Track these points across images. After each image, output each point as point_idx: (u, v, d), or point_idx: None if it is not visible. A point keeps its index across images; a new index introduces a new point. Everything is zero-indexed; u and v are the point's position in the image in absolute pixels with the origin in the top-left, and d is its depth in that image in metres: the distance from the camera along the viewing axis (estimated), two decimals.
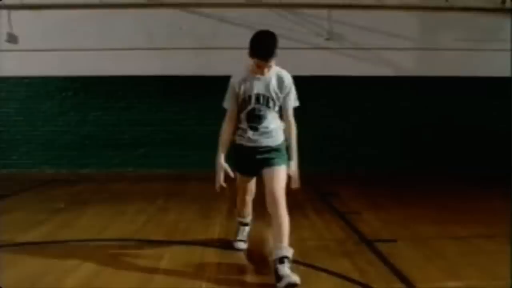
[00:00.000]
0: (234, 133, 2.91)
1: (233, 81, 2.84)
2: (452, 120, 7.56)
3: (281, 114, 2.90)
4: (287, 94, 2.83)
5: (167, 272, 2.79)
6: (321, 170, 6.75)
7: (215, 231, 3.76)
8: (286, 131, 2.89)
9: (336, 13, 7.39)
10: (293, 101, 2.87)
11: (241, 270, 2.82)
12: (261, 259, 3.05)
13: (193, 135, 7.38)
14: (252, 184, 3.07)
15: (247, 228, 3.34)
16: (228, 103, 2.88)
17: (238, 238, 3.29)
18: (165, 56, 7.39)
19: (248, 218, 3.32)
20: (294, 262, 2.68)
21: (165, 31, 7.40)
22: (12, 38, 7.31)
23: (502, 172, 6.85)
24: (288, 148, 2.88)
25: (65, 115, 7.55)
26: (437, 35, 7.55)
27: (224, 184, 2.81)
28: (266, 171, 2.80)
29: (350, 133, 7.42)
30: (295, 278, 2.43)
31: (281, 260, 2.54)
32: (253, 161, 2.86)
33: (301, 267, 2.79)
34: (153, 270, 2.80)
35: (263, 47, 2.67)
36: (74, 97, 7.54)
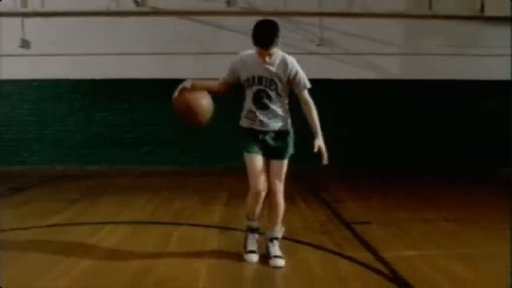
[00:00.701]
0: (221, 90, 2.99)
1: (236, 60, 2.94)
2: (435, 121, 8.16)
3: (295, 95, 2.94)
4: (294, 77, 2.86)
5: (176, 247, 3.38)
6: (314, 167, 7.33)
7: (215, 216, 4.35)
8: (307, 112, 2.93)
9: (327, 21, 8.00)
10: (304, 84, 2.89)
11: (239, 246, 3.40)
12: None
13: (193, 134, 7.90)
14: (263, 166, 2.96)
15: (256, 236, 3.12)
16: (228, 72, 2.97)
17: (249, 249, 3.06)
18: (167, 60, 7.98)
19: (256, 222, 3.12)
20: (285, 238, 3.26)
21: (166, 37, 7.99)
22: (25, 44, 7.89)
23: (479, 168, 7.46)
24: (311, 125, 2.93)
25: (73, 116, 8.13)
26: (421, 41, 8.16)
27: (189, 83, 2.94)
28: (273, 163, 2.96)
29: (340, 133, 7.99)
30: (281, 262, 2.92)
31: (272, 240, 3.04)
32: (261, 142, 2.94)
33: (290, 243, 3.38)
34: (165, 246, 3.39)
35: (263, 36, 2.73)
36: (82, 99, 8.12)
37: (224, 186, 6.07)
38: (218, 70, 7.26)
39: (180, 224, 4.03)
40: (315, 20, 7.99)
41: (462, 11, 8.00)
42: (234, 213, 4.38)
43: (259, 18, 7.59)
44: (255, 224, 3.12)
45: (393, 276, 2.74)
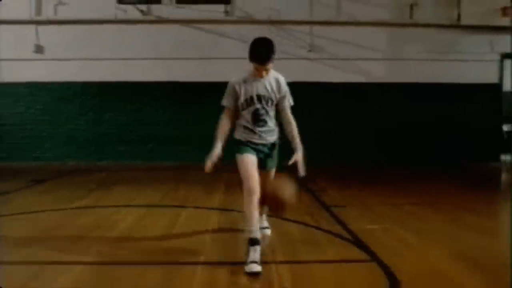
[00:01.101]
0: (230, 128, 3.17)
1: (233, 82, 3.09)
2: (415, 120, 8.95)
3: (277, 113, 3.18)
4: (284, 95, 3.13)
5: (185, 223, 4.14)
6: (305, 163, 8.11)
7: (215, 201, 5.13)
8: (288, 127, 3.17)
9: (317, 29, 8.78)
10: (289, 101, 3.17)
11: (235, 223, 4.15)
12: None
13: (194, 132, 8.65)
14: (255, 170, 3.08)
15: (258, 248, 2.91)
16: (226, 101, 3.13)
17: (250, 259, 2.83)
18: (170, 65, 8.75)
19: (257, 232, 2.98)
20: (272, 216, 4.01)
21: (170, 43, 8.75)
22: (39, 49, 8.65)
23: (452, 163, 8.26)
24: (292, 141, 3.16)
25: (84, 116, 8.89)
26: (403, 48, 8.96)
27: (210, 168, 3.05)
28: (263, 173, 3.18)
29: (328, 131, 8.78)
30: (268, 231, 3.58)
31: (263, 228, 3.50)
32: (259, 151, 3.16)
33: (277, 220, 4.15)
34: (175, 223, 4.14)
35: (260, 52, 2.97)
36: (92, 100, 8.88)
37: (222, 178, 6.80)
38: (217, 74, 8.10)
39: (186, 207, 4.80)
40: (306, 28, 8.78)
41: (441, 20, 8.80)
42: (231, 199, 5.15)
43: (255, 26, 8.40)
44: (256, 234, 2.95)
45: (357, 242, 3.51)
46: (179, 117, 8.79)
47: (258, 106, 3.08)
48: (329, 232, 3.81)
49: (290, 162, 3.07)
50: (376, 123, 8.91)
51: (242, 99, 3.07)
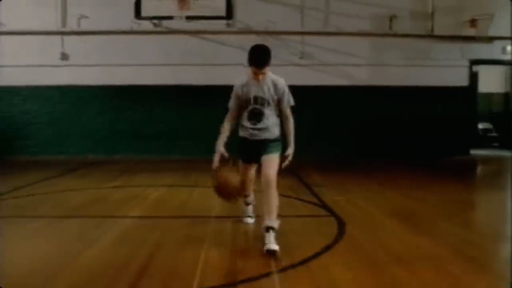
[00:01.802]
0: (233, 127, 3.63)
1: (237, 85, 3.53)
2: (394, 118, 10.35)
3: (279, 111, 3.55)
4: (282, 95, 3.45)
5: (198, 196, 5.58)
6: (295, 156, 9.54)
7: None
8: (286, 125, 3.55)
9: (307, 38, 10.21)
10: (288, 101, 3.50)
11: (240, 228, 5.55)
12: None
13: (200, 130, 10.00)
14: (252, 171, 3.79)
15: (250, 207, 4.17)
16: (231, 104, 3.59)
17: (246, 215, 4.18)
18: (178, 70, 10.16)
19: (250, 199, 4.11)
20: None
21: (178, 51, 10.17)
22: (64, 56, 10.09)
23: (426, 156, 9.67)
24: (287, 137, 3.56)
25: (102, 115, 10.31)
26: (383, 55, 10.38)
27: (217, 165, 3.51)
28: (263, 158, 3.46)
29: (317, 128, 10.17)
30: (274, 247, 3.16)
31: (268, 229, 3.28)
32: (254, 151, 3.53)
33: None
34: (191, 195, 5.59)
35: (257, 58, 3.33)
36: (109, 101, 10.30)
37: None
38: (218, 78, 9.55)
39: (198, 186, 6.24)
40: (298, 38, 10.19)
41: (416, 31, 10.22)
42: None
43: (254, 36, 9.89)
44: (248, 200, 4.11)
45: (324, 206, 4.93)
46: (185, 116, 10.20)
47: (254, 106, 3.47)
48: (306, 201, 5.24)
49: (285, 154, 3.51)
50: (359, 121, 10.32)
51: (242, 100, 3.50)
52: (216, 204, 5.11)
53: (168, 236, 3.83)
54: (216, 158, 3.50)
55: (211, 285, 2.68)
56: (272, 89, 3.46)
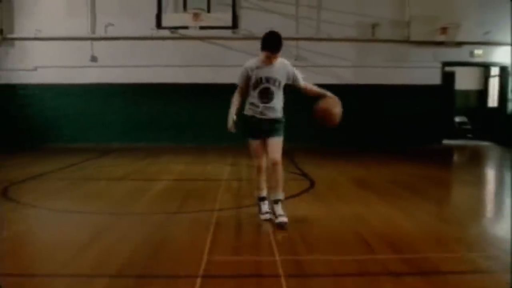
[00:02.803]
0: (243, 100, 4.06)
1: (246, 66, 3.94)
2: (377, 112, 12.38)
3: (297, 88, 4.11)
4: (293, 76, 4.02)
5: (211, 169, 7.68)
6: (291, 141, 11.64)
7: (228, 161, 8.64)
8: (309, 88, 4.17)
9: (301, 43, 12.23)
10: (300, 78, 4.10)
11: (241, 172, 7.62)
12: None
13: (209, 121, 11.99)
14: (262, 147, 4.02)
15: (266, 202, 4.18)
16: (239, 81, 4.00)
17: (263, 211, 4.14)
18: (191, 70, 12.21)
19: (264, 191, 4.17)
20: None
21: (191, 54, 12.22)
22: (93, 59, 12.17)
23: (405, 146, 11.71)
24: (319, 93, 4.19)
25: (125, 109, 12.38)
26: (367, 57, 12.40)
27: (233, 127, 4.03)
28: (270, 140, 3.97)
29: (308, 120, 12.17)
30: (284, 219, 3.93)
31: (276, 201, 4.04)
32: (261, 128, 3.97)
33: None
34: (205, 168, 7.69)
35: (272, 43, 3.78)
36: (131, 97, 12.36)
37: (230, 153, 10.28)
38: (226, 78, 11.67)
39: (210, 163, 8.34)
40: (294, 42, 12.21)
41: (395, 37, 12.23)
42: (237, 161, 8.64)
43: (255, 42, 11.82)
44: (263, 193, 4.18)
45: (304, 175, 6.98)
46: (197, 110, 12.25)
47: (267, 85, 3.91)
48: (291, 172, 7.31)
49: (333, 96, 4.24)
50: (345, 115, 12.31)
51: (253, 80, 3.90)
52: (225, 172, 7.23)
53: (193, 189, 5.94)
54: (230, 122, 4.05)
55: (227, 207, 4.78)
56: (282, 71, 3.99)
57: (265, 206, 4.19)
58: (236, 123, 4.07)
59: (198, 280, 2.79)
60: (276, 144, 4.02)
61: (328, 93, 4.22)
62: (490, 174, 8.93)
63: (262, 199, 4.21)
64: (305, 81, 4.22)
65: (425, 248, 3.51)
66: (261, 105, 3.98)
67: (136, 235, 3.90)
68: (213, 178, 6.84)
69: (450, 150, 12.07)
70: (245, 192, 5.62)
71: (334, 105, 4.19)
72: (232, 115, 4.05)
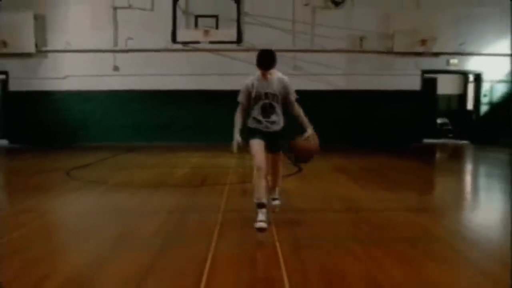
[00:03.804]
0: (244, 118, 4.39)
1: (247, 83, 4.30)
2: (365, 114, 14.38)
3: (287, 104, 4.38)
4: (289, 91, 4.32)
5: (221, 161, 9.70)
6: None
7: (234, 156, 10.64)
8: (297, 113, 4.42)
9: (298, 54, 14.26)
10: (294, 95, 4.39)
11: (245, 162, 9.62)
12: None
13: (216, 123, 13.99)
14: (264, 149, 4.31)
15: (264, 210, 4.17)
16: (241, 98, 4.34)
17: (258, 219, 4.10)
18: (201, 79, 14.25)
19: (264, 198, 4.21)
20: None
21: (201, 64, 14.26)
22: (115, 68, 14.25)
23: (389, 144, 13.72)
24: (302, 123, 4.43)
25: (143, 112, 14.42)
26: (356, 66, 14.42)
27: (236, 150, 4.35)
28: (271, 156, 4.49)
29: None
30: (277, 202, 4.66)
31: (274, 199, 4.71)
32: (265, 138, 4.34)
33: None
34: (216, 160, 9.71)
35: (263, 61, 4.18)
36: (149, 102, 14.42)
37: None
38: (231, 85, 13.76)
39: (221, 156, 10.37)
40: (291, 54, 14.23)
41: (381, 48, 14.24)
42: (241, 156, 10.58)
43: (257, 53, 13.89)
44: (262, 200, 4.21)
45: (297, 165, 8.97)
46: (206, 113, 14.26)
47: (266, 101, 4.22)
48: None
49: (304, 137, 4.38)
50: (337, 117, 14.34)
51: (253, 95, 4.22)
52: (232, 163, 9.27)
53: (208, 173, 7.99)
54: (235, 145, 4.37)
55: (235, 182, 6.81)
56: (279, 86, 4.29)
57: (262, 215, 4.16)
58: (239, 144, 4.38)
59: (218, 226, 4.80)
60: (277, 157, 4.61)
61: (309, 130, 4.46)
62: (446, 163, 10.91)
63: (261, 206, 4.21)
64: (297, 102, 4.51)
65: (368, 204, 5.54)
66: (263, 120, 4.35)
67: (172, 199, 5.95)
68: (222, 166, 8.87)
69: (426, 147, 14.04)
70: (248, 174, 7.62)
71: (312, 145, 4.48)
72: (236, 137, 4.36)
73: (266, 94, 4.30)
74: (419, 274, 3.22)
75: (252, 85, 4.32)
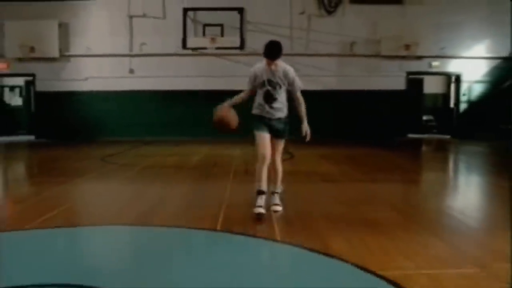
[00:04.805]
0: (247, 99, 4.79)
1: (253, 69, 4.70)
2: (354, 111, 16.41)
3: (291, 95, 4.70)
4: (292, 82, 4.64)
5: (227, 151, 11.77)
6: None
7: (238, 148, 12.72)
8: (298, 106, 4.78)
9: (295, 58, 16.24)
10: (298, 86, 4.71)
11: (248, 151, 11.66)
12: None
13: None
14: (268, 140, 4.67)
15: (264, 197, 4.64)
16: (248, 84, 4.75)
17: (257, 205, 4.57)
18: (208, 80, 16.31)
19: (264, 185, 4.67)
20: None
21: (208, 67, 16.33)
22: (131, 71, 16.34)
23: (375, 138, 15.77)
24: (299, 116, 4.76)
25: (156, 111, 16.48)
26: (346, 69, 16.46)
27: (220, 113, 4.73)
28: (276, 141, 4.76)
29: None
30: (278, 208, 4.77)
31: (273, 193, 4.91)
32: (268, 125, 4.68)
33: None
34: (222, 150, 11.78)
35: (270, 51, 4.51)
36: (161, 101, 16.48)
37: (238, 143, 14.30)
38: (235, 85, 15.68)
39: (225, 149, 12.44)
40: (288, 57, 16.21)
41: (369, 52, 16.28)
42: (245, 147, 12.66)
43: (259, 57, 16.00)
44: (262, 187, 4.66)
45: (290, 153, 11.01)
46: (212, 111, 16.28)
47: (269, 88, 4.59)
48: None
49: (303, 132, 4.80)
50: (330, 114, 16.38)
51: (257, 82, 4.62)
52: (237, 153, 11.35)
53: (218, 160, 10.07)
54: (222, 108, 4.75)
55: (239, 165, 8.89)
56: (282, 76, 4.61)
57: (260, 201, 4.63)
58: (224, 107, 4.81)
59: (227, 191, 6.87)
60: (279, 145, 4.84)
61: (304, 125, 4.91)
62: (420, 153, 12.94)
63: (260, 192, 4.68)
64: (300, 97, 4.88)
65: (344, 178, 7.61)
66: (266, 105, 4.68)
67: (194, 173, 8.04)
68: (229, 155, 10.93)
69: (409, 141, 16.08)
70: (250, 160, 9.70)
71: (231, 116, 4.71)
72: (228, 103, 4.81)
73: (270, 82, 4.63)
74: (359, 212, 5.28)
75: (258, 71, 4.70)
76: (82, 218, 5.22)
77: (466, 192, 7.12)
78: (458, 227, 4.62)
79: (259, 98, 4.74)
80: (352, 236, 4.06)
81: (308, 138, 4.81)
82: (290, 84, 4.72)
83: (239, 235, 4.09)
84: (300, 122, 4.88)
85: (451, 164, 11.10)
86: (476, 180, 8.23)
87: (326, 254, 3.52)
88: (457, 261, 3.49)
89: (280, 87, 4.67)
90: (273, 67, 4.60)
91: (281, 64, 4.69)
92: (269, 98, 4.66)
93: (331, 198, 5.99)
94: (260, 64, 4.74)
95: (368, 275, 3.12)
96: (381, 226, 4.43)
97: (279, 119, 4.76)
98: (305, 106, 4.99)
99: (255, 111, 4.80)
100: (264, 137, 4.71)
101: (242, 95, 4.85)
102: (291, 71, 4.73)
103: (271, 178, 4.86)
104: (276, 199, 4.93)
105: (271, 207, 4.84)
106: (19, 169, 10.14)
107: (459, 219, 4.91)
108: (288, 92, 4.82)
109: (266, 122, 4.72)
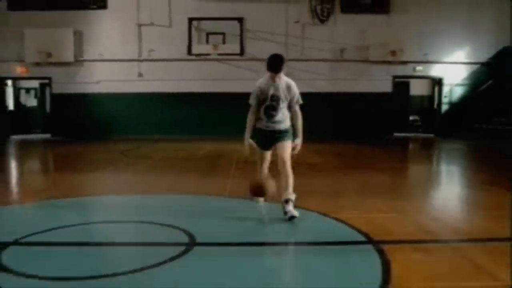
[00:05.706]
0: (256, 120, 4.83)
1: (257, 85, 4.75)
2: (345, 113, 18.17)
3: (290, 107, 4.81)
4: (294, 96, 4.78)
5: (229, 147, 13.52)
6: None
7: (239, 144, 14.48)
8: (295, 120, 4.87)
9: (290, 63, 17.95)
10: (298, 100, 4.84)
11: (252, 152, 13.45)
12: None
13: (224, 120, 17.82)
14: (267, 156, 4.95)
15: (260, 199, 5.12)
16: (251, 100, 4.77)
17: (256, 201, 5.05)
18: (211, 83, 18.08)
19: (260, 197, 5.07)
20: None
21: (211, 71, 18.09)
22: (140, 75, 18.11)
23: (366, 137, 17.54)
24: (295, 129, 4.86)
25: (164, 111, 18.20)
26: (337, 73, 18.24)
27: (248, 153, 4.87)
28: (278, 145, 4.83)
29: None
30: (295, 212, 4.54)
31: (287, 201, 4.64)
32: (269, 139, 4.84)
33: None
34: (225, 146, 13.54)
35: (273, 65, 4.62)
36: (169, 103, 18.21)
37: (239, 140, 16.05)
38: (235, 87, 17.91)
39: (227, 145, 14.19)
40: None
41: (358, 58, 18.07)
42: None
43: (256, 62, 18.02)
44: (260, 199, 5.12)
45: None
46: (215, 112, 18.08)
47: (271, 103, 4.72)
48: None
49: (294, 146, 4.87)
50: (321, 115, 18.13)
51: (261, 97, 4.72)
52: (237, 148, 13.15)
53: (222, 153, 11.84)
54: (246, 148, 4.92)
55: (241, 161, 10.68)
56: (285, 89, 4.75)
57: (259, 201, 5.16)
58: (251, 146, 4.95)
59: (231, 177, 8.63)
60: (283, 146, 4.84)
61: (298, 140, 4.94)
62: (399, 149, 14.69)
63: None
64: (298, 111, 4.96)
65: (327, 167, 9.37)
66: (266, 119, 4.80)
67: (202, 162, 9.81)
68: (231, 150, 12.68)
69: (394, 140, 17.86)
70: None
71: (271, 184, 4.84)
72: (248, 140, 4.90)
73: (272, 96, 4.72)
74: (330, 186, 7.03)
75: (261, 86, 4.75)
76: (124, 190, 6.98)
77: (419, 173, 8.92)
78: (400, 194, 6.43)
79: (260, 113, 4.84)
80: (319, 199, 5.85)
81: (296, 151, 4.89)
82: (292, 98, 4.82)
83: (239, 199, 5.87)
84: (295, 135, 4.94)
85: (422, 157, 12.89)
86: (430, 167, 10.02)
87: (301, 208, 5.28)
88: (386, 210, 5.29)
89: (283, 100, 4.78)
90: (277, 79, 4.69)
91: (283, 77, 4.80)
92: (270, 112, 4.78)
93: (314, 178, 7.75)
94: (263, 80, 4.80)
95: (326, 218, 4.88)
96: (343, 193, 6.24)
97: (278, 131, 4.89)
98: (302, 120, 5.04)
99: (257, 124, 4.93)
100: (262, 154, 5.05)
101: (250, 117, 4.87)
102: (293, 84, 4.85)
103: (283, 185, 4.77)
104: (290, 207, 4.62)
105: (285, 216, 4.61)
106: (58, 160, 11.89)
107: (404, 189, 6.69)
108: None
109: (265, 137, 4.93)
